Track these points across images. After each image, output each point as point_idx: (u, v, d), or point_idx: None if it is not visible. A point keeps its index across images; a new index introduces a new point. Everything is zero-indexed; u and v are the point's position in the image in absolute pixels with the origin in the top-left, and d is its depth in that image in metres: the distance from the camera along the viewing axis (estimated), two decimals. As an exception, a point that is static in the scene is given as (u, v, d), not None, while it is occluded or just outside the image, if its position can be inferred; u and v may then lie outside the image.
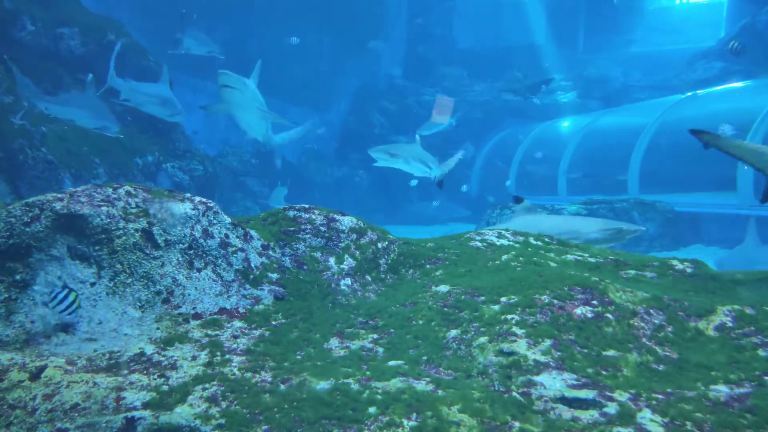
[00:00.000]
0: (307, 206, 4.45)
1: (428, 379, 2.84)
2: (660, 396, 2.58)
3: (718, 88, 18.92)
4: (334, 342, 3.33)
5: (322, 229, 4.29)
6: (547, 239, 4.81)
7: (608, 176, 18.78)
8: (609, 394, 2.60)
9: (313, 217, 4.36)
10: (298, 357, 3.15)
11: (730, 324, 2.98)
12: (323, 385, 2.84)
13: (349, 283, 4.01)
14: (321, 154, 24.10)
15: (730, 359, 2.74)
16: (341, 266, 4.10)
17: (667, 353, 2.85)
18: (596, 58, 26.67)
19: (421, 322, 3.45)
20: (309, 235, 4.23)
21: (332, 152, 24.57)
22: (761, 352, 2.75)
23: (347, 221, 4.38)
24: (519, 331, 3.07)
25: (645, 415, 2.44)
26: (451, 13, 28.47)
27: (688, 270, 3.87)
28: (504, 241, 4.68)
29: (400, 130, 23.83)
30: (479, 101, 25.85)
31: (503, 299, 3.45)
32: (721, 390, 2.53)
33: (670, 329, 3.02)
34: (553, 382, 2.69)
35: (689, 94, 19.17)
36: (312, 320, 3.57)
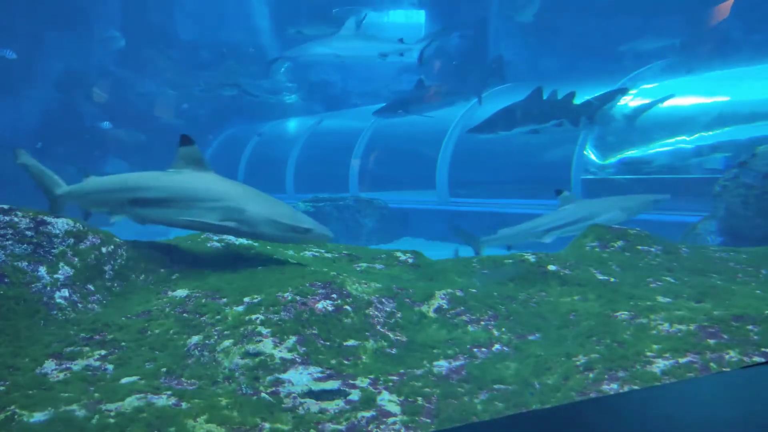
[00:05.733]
0: (6, 207, 3.74)
1: (169, 393, 2.64)
2: (395, 377, 2.82)
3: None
4: (49, 365, 2.87)
5: (29, 234, 3.65)
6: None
7: (332, 175, 19.83)
8: (352, 381, 2.75)
9: (15, 219, 3.68)
10: (1, 389, 2.63)
11: (445, 306, 3.42)
12: (39, 417, 2.43)
13: (67, 294, 3.49)
14: (15, 146, 20.54)
15: (448, 337, 3.15)
16: (55, 276, 3.54)
17: (398, 337, 3.14)
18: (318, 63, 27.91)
19: (157, 331, 3.18)
20: (10, 242, 3.56)
21: (30, 145, 21.13)
22: (470, 328, 3.22)
23: (62, 224, 3.80)
24: (264, 331, 3.05)
25: (384, 397, 2.65)
26: (172, 3, 26.91)
27: (410, 260, 4.33)
28: (243, 240, 4.60)
29: (119, 122, 21.70)
30: (206, 97, 24.98)
31: (246, 299, 3.39)
32: (442, 365, 2.90)
33: (399, 315, 3.33)
34: (300, 378, 2.74)
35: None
36: (18, 342, 3.01)
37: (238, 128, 25.88)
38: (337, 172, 19.20)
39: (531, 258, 4.25)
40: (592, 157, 11.87)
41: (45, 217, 3.80)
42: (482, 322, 3.25)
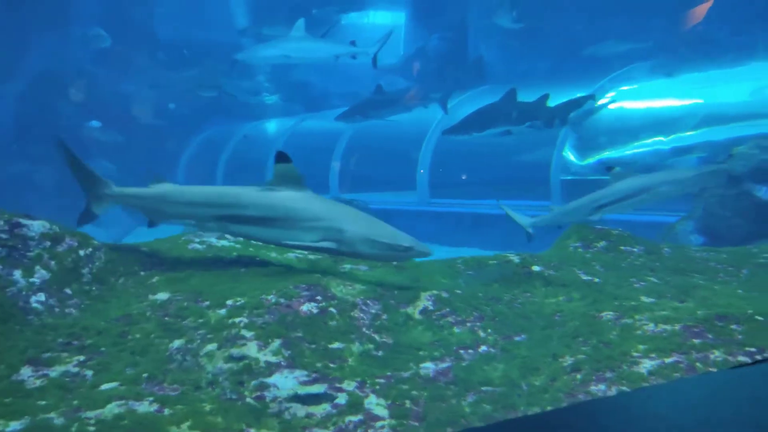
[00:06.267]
0: (-21, 209, 3.63)
1: (151, 399, 2.57)
2: (382, 380, 2.78)
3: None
4: (26, 372, 2.78)
5: (3, 236, 3.54)
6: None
7: (311, 176, 19.64)
8: (338, 385, 2.70)
9: (-11, 222, 3.58)
10: (-24, 397, 2.55)
11: (431, 307, 3.39)
12: (15, 425, 2.35)
13: (43, 299, 3.40)
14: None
15: (434, 338, 3.13)
16: (31, 280, 3.45)
17: (384, 339, 3.10)
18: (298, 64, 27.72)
19: (138, 335, 3.11)
20: (-16, 245, 3.46)
21: (4, 145, 20.65)
22: (456, 330, 3.20)
23: (38, 226, 3.70)
24: (248, 334, 2.99)
25: (371, 401, 2.61)
26: (153, 1, 26.53)
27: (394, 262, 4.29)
28: (224, 242, 4.53)
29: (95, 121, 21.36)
30: (186, 96, 24.67)
31: (229, 302, 3.32)
32: (429, 367, 2.86)
33: (385, 317, 3.29)
34: (285, 382, 2.69)
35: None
36: (-7, 348, 2.92)
37: (217, 129, 25.63)
38: (316, 173, 19.11)
39: (515, 259, 4.24)
40: (572, 158, 11.96)
41: (20, 219, 3.69)
42: (468, 324, 3.23)
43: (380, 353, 2.96)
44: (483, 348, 3.02)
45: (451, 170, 15.61)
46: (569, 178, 11.75)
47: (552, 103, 10.47)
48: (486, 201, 13.79)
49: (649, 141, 11.10)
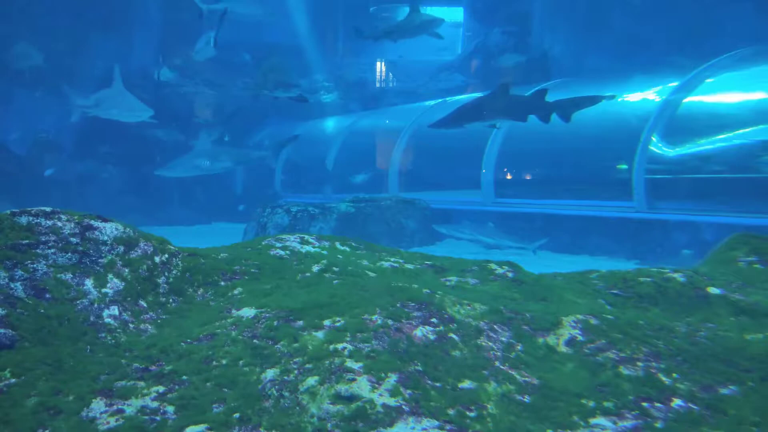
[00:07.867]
0: (48, 210, 3.24)
1: (247, 449, 2.08)
2: (534, 435, 2.18)
3: (462, 96, 20.68)
4: (98, 405, 2.33)
5: (73, 240, 3.15)
6: (354, 243, 4.29)
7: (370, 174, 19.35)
8: (478, 440, 2.13)
9: (59, 224, 3.18)
10: (40, 438, 2.11)
11: (581, 338, 2.74)
12: (86, 482, 1.89)
13: (116, 312, 2.97)
14: (58, 145, 20.49)
15: (596, 382, 2.46)
16: (103, 290, 3.03)
17: (527, 378, 2.49)
18: (355, 62, 27.53)
19: (224, 361, 2.63)
20: (53, 250, 3.06)
21: (73, 143, 21.08)
22: (624, 370, 2.53)
23: (110, 229, 3.29)
24: (355, 366, 2.46)
25: (526, 464, 2.03)
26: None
27: (509, 274, 3.66)
28: (309, 248, 4.02)
29: (159, 122, 21.65)
30: (244, 97, 24.72)
31: (327, 323, 2.81)
32: (605, 425, 2.19)
33: (520, 348, 2.68)
34: (411, 434, 2.13)
35: (440, 100, 20.61)
36: (61, 374, 2.49)
37: (276, 127, 25.56)
38: (375, 172, 18.74)
39: (678, 277, 3.52)
40: (661, 149, 10.89)
41: (92, 222, 3.29)
42: (639, 363, 2.56)
43: (526, 398, 2.35)
44: (678, 402, 2.34)
45: (519, 168, 14.98)
46: (657, 177, 10.76)
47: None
48: (556, 201, 13.00)
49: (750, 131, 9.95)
